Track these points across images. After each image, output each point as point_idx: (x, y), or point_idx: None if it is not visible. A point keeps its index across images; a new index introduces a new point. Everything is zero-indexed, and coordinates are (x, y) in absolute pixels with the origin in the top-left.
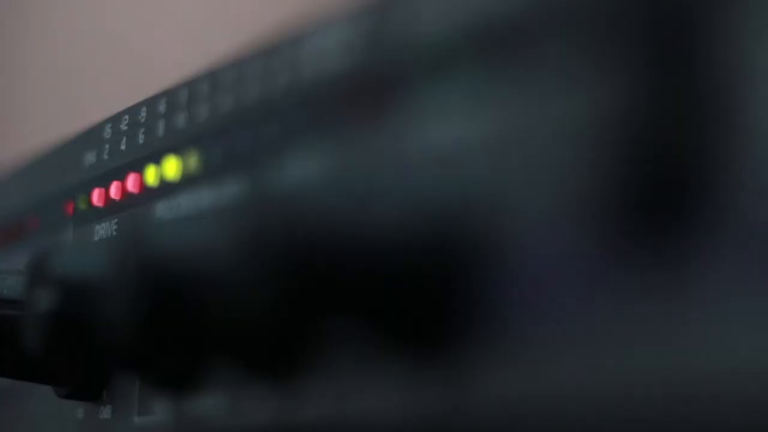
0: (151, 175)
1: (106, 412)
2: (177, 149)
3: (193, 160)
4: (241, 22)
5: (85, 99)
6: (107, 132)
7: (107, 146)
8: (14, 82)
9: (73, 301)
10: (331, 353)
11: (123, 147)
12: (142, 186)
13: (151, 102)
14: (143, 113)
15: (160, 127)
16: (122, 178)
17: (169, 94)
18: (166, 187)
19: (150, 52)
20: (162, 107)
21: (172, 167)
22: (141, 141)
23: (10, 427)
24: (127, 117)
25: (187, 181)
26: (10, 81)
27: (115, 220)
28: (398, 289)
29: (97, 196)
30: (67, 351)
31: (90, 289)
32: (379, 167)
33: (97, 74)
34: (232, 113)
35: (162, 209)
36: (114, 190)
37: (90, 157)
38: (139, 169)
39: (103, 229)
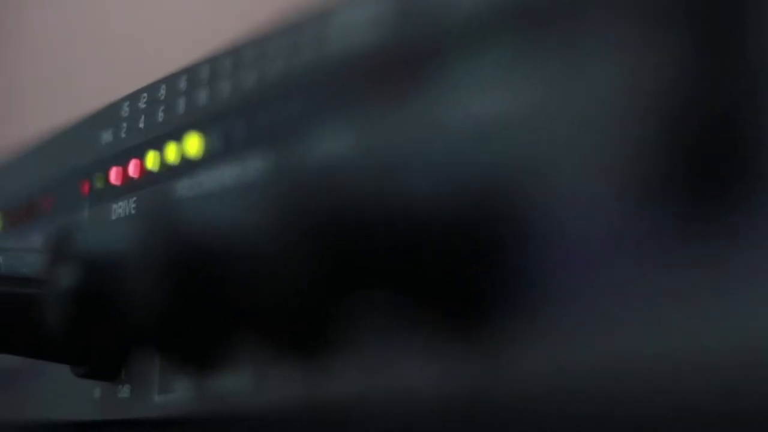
0: (171, 152)
1: (124, 391)
2: (199, 126)
3: (215, 138)
4: (245, 11)
5: (82, 88)
6: (125, 110)
7: (125, 124)
8: (12, 72)
9: (95, 278)
10: (361, 328)
11: (141, 125)
12: (162, 164)
13: (171, 79)
14: (162, 91)
15: (181, 105)
16: (141, 157)
17: (190, 72)
18: (187, 165)
19: (148, 40)
20: (182, 84)
21: (193, 144)
22: (161, 119)
23: (25, 407)
24: (145, 95)
25: (209, 159)
26: (7, 71)
27: (134, 199)
28: (432, 262)
29: (114, 175)
30: (88, 329)
31: (113, 266)
32: (413, 141)
33: (95, 63)
34: (256, 89)
35: (183, 187)
36: (132, 169)
37: (106, 136)
38: (159, 147)
39: (120, 208)
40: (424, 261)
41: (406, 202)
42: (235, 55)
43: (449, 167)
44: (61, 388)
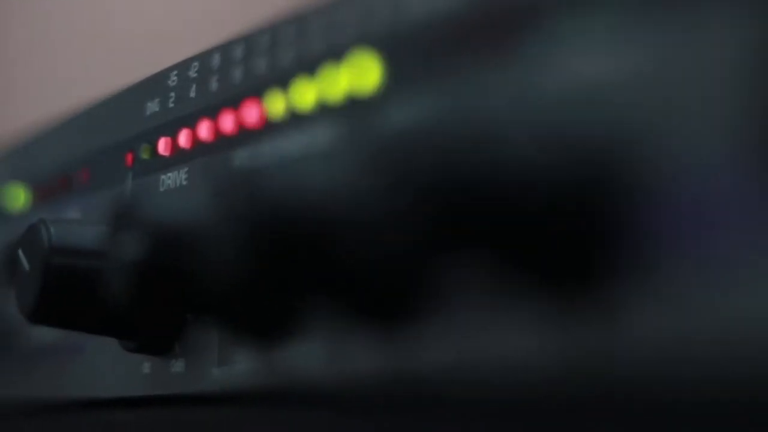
0: (227, 122)
1: (178, 366)
2: (259, 95)
3: (279, 106)
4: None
5: (76, 79)
6: (172, 80)
7: (173, 94)
8: (6, 65)
9: (158, 249)
10: (453, 292)
11: (192, 94)
12: (217, 133)
13: (226, 48)
14: (216, 60)
15: (238, 74)
16: (193, 126)
17: (249, 40)
18: (245, 135)
19: (144, 32)
20: (239, 53)
21: (252, 114)
22: (215, 88)
23: (68, 384)
24: (196, 64)
25: (269, 128)
26: (2, 59)
27: (186, 170)
28: (537, 224)
29: (163, 145)
30: (150, 302)
31: (177, 236)
32: (512, 105)
33: (91, 54)
34: (323, 55)
35: (241, 157)
36: (183, 139)
37: (152, 106)
38: (213, 116)
39: (170, 179)
40: (521, 226)
41: (505, 166)
42: (299, 23)
43: (552, 131)
44: (105, 364)
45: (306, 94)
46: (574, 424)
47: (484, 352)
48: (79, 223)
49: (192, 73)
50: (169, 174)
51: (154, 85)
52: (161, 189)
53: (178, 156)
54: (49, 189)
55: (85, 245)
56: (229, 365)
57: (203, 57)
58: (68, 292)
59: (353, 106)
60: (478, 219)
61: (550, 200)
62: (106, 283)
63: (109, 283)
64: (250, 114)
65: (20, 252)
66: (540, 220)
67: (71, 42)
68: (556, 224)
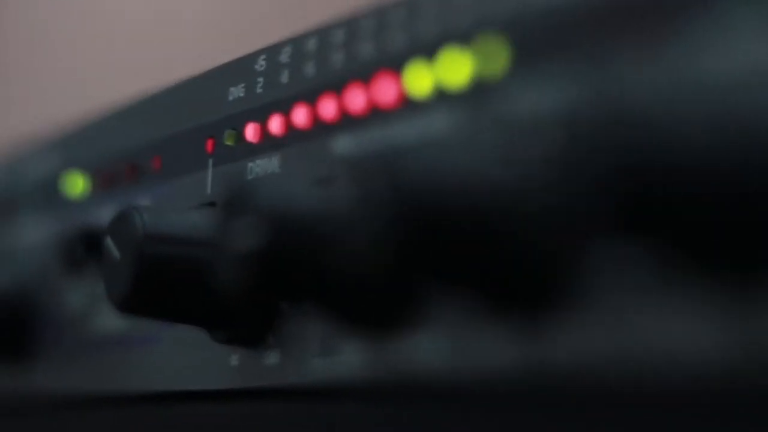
0: (328, 107)
1: (272, 357)
2: (364, 79)
3: (390, 92)
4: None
5: (76, 77)
6: (260, 64)
7: (261, 79)
8: (6, 60)
9: (270, 236)
10: (596, 281)
11: (285, 79)
12: (315, 120)
13: (324, 32)
14: (313, 44)
15: (339, 58)
16: (286, 112)
17: (350, 24)
18: (348, 121)
19: (141, 28)
20: (340, 37)
21: (358, 99)
22: (312, 72)
23: (142, 377)
24: (289, 48)
25: (376, 115)
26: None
27: (278, 156)
28: (703, 210)
29: (251, 132)
30: (245, 291)
31: (292, 223)
32: (669, 93)
33: (91, 55)
34: (441, 38)
35: (343, 145)
36: (275, 125)
37: (236, 91)
38: (312, 101)
39: (259, 167)
40: (687, 211)
41: (674, 148)
42: (410, 6)
43: (715, 117)
44: (187, 355)
45: (422, 79)
46: (741, 421)
47: (637, 344)
48: (169, 211)
49: (284, 58)
50: (258, 161)
51: (238, 70)
52: (249, 177)
53: (268, 142)
54: (113, 176)
55: (178, 233)
56: (333, 356)
57: (297, 41)
58: (161, 282)
59: (478, 93)
60: (624, 205)
61: (708, 186)
62: (201, 271)
63: (206, 271)
64: (355, 100)
65: (109, 240)
66: (702, 206)
67: (71, 42)
68: (724, 211)
